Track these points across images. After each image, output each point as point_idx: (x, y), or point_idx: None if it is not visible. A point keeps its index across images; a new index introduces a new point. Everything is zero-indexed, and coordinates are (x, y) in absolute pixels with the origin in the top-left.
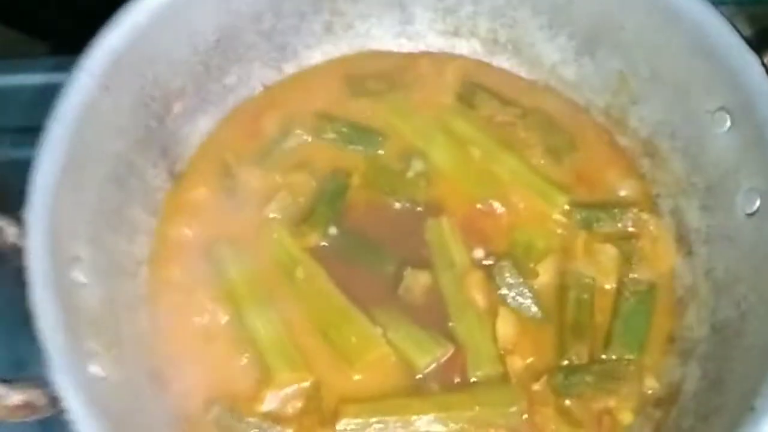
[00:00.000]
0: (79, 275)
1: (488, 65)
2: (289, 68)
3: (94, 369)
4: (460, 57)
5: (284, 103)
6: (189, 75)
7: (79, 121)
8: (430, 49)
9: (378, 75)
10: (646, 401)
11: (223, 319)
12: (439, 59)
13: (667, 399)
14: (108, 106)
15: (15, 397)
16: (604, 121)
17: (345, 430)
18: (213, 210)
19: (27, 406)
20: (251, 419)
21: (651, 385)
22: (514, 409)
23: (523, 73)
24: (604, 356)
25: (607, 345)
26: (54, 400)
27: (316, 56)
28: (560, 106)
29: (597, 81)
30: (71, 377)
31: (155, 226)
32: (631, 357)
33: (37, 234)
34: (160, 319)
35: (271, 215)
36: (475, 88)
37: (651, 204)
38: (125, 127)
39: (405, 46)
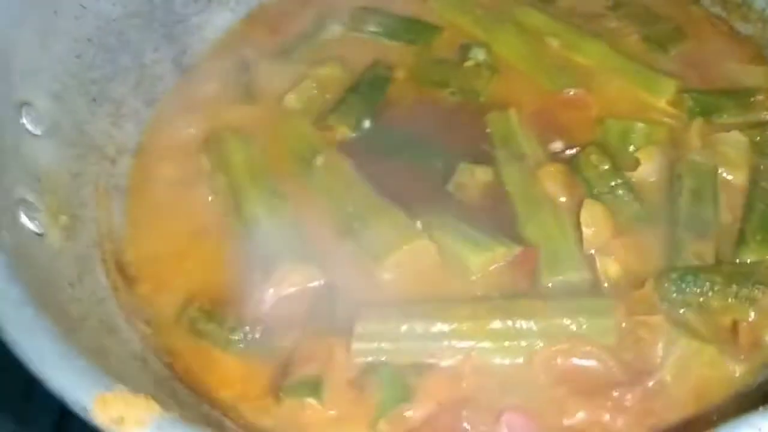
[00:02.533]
0: (29, 123)
1: None
2: None
3: (26, 220)
4: None
5: (319, 1)
6: None
7: None
8: None
9: None
10: None
11: (218, 213)
12: None
13: None
14: None
15: None
16: (719, 10)
17: (363, 335)
18: (224, 104)
19: None
20: (235, 324)
21: None
22: (607, 320)
23: None
24: (737, 261)
25: (740, 246)
26: None
27: None
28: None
29: None
30: None
31: (150, 118)
32: None
33: None
34: (141, 215)
35: (291, 105)
36: None
37: None
38: None
39: None
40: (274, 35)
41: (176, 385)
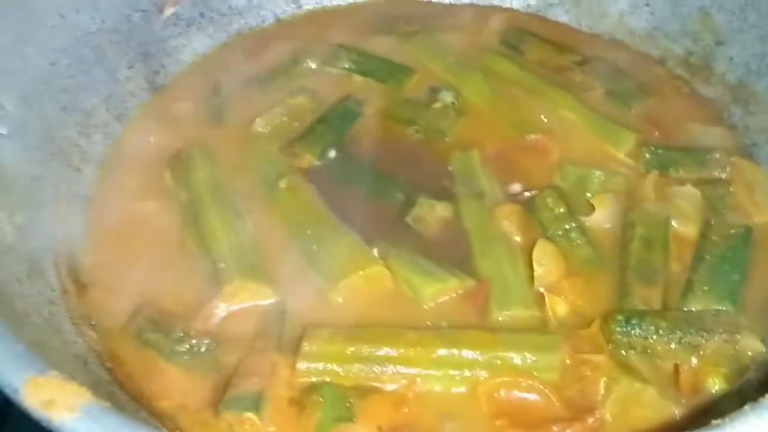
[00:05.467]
0: None
1: (543, 18)
2: (309, 4)
3: None
4: (510, 9)
5: (297, 36)
6: None
7: None
8: (477, 1)
9: (411, 18)
10: (744, 366)
11: (176, 227)
12: (485, 11)
13: None
14: None
15: None
16: (683, 72)
17: (308, 355)
18: (193, 124)
19: None
20: (182, 336)
21: (752, 346)
22: (552, 356)
23: (584, 26)
24: (683, 309)
25: (687, 294)
26: None
27: None
28: (629, 58)
29: (674, 26)
30: None
31: (120, 132)
32: (721, 308)
33: None
34: (100, 224)
35: (259, 129)
36: (523, 35)
37: (745, 154)
38: (99, 5)
39: None
40: (249, 64)
41: (115, 390)
